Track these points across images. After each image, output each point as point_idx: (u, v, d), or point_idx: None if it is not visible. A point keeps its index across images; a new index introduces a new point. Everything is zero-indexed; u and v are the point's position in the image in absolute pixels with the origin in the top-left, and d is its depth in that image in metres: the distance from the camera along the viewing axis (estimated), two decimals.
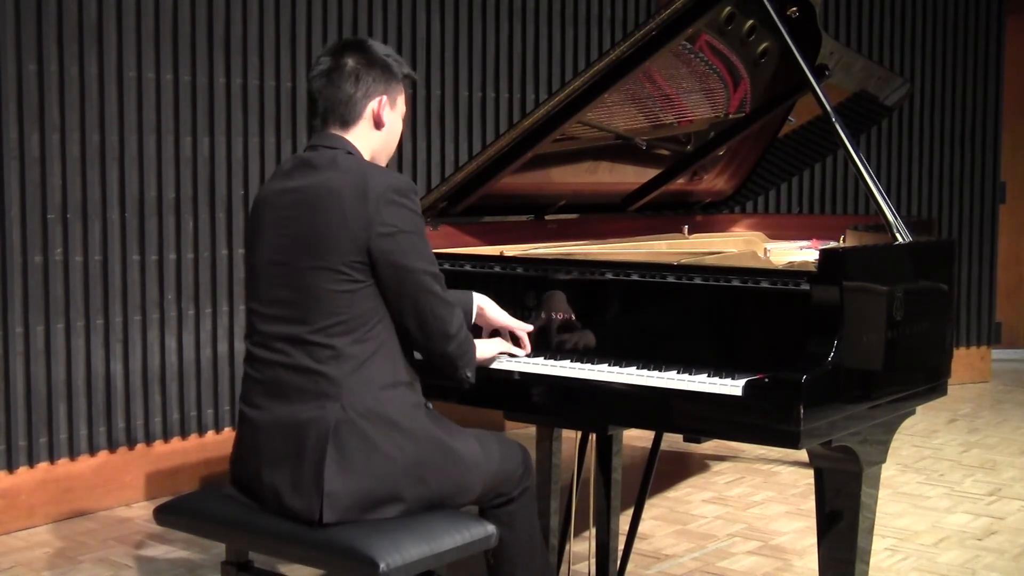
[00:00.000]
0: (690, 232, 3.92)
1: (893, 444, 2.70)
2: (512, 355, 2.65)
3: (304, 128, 4.60)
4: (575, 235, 3.59)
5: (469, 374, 2.44)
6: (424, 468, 2.32)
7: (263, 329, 2.37)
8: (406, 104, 2.55)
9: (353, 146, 2.43)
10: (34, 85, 3.89)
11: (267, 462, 2.32)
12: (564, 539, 3.14)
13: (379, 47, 2.48)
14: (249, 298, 2.45)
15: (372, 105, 2.44)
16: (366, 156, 2.45)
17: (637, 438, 4.91)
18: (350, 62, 2.42)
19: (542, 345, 2.71)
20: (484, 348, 2.58)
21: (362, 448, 2.26)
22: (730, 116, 3.69)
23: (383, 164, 2.53)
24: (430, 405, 2.45)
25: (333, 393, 2.27)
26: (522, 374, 2.58)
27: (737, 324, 2.50)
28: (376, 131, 2.47)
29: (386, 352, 2.34)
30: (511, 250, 3.17)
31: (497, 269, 2.82)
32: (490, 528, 2.35)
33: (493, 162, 3.11)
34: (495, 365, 2.62)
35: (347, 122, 2.43)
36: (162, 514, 2.50)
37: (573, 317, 2.69)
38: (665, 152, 3.74)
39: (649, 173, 3.82)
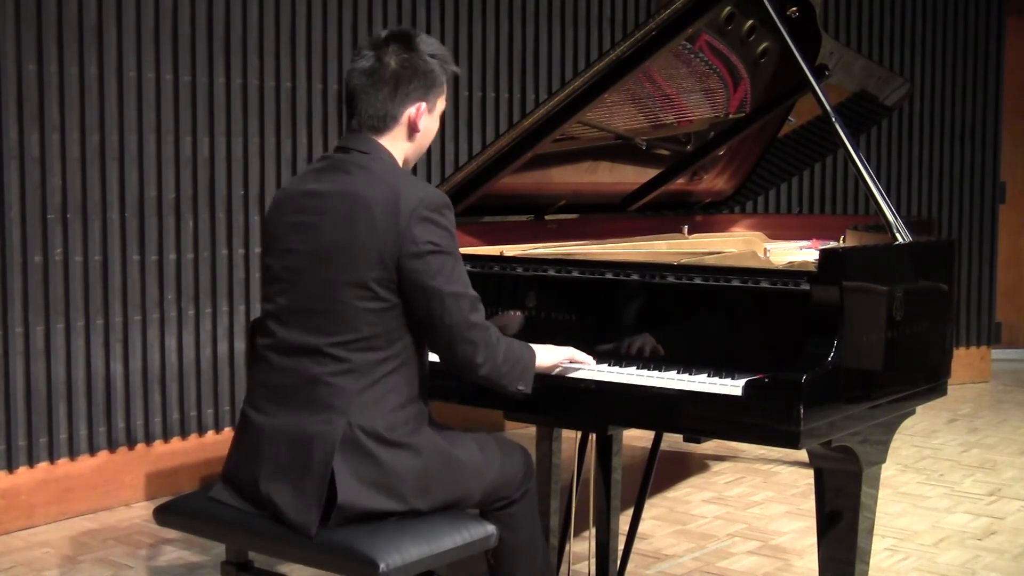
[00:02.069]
0: (690, 232, 3.91)
1: (893, 444, 2.70)
2: (580, 364, 2.53)
3: (304, 128, 4.60)
4: (575, 235, 3.59)
5: (521, 387, 2.35)
6: (429, 480, 2.30)
7: (278, 334, 2.33)
8: (446, 101, 2.47)
9: (387, 151, 2.36)
10: (34, 85, 3.89)
11: (267, 470, 2.29)
12: (564, 539, 3.14)
13: (425, 45, 2.37)
14: (265, 299, 2.40)
15: (410, 111, 2.37)
16: (399, 159, 2.39)
17: (637, 438, 4.91)
18: (392, 63, 2.33)
19: None
20: (545, 356, 2.46)
21: (369, 464, 2.23)
22: (730, 116, 3.69)
23: (413, 164, 2.48)
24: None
25: (341, 407, 2.23)
26: None
27: (737, 324, 2.50)
28: (410, 136, 2.40)
29: (404, 370, 2.30)
30: (511, 250, 3.17)
31: (497, 269, 2.82)
32: (490, 528, 2.35)
33: (493, 162, 3.11)
34: None
35: (381, 128, 2.36)
36: (162, 514, 2.50)
37: (573, 317, 2.69)
38: (665, 152, 3.74)
39: (649, 173, 3.82)
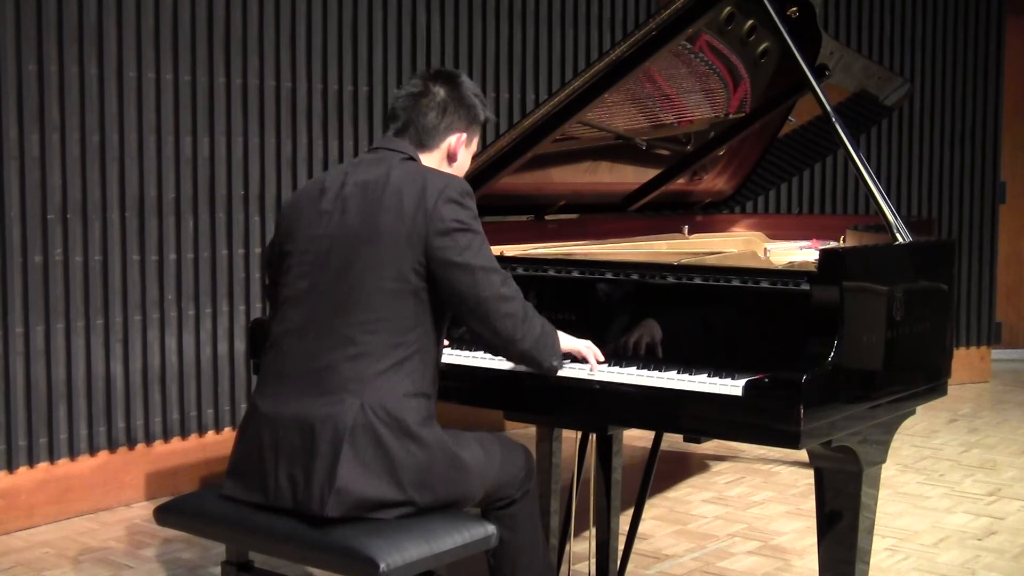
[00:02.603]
0: (690, 232, 3.92)
1: (893, 444, 2.71)
2: (585, 360, 2.53)
3: (304, 128, 4.60)
4: (575, 235, 3.59)
5: (556, 363, 2.43)
6: (432, 476, 2.31)
7: (295, 318, 2.36)
8: (478, 145, 2.59)
9: (418, 156, 2.45)
10: (34, 85, 3.89)
11: (282, 455, 2.30)
12: (564, 539, 3.14)
13: (469, 84, 2.52)
14: (282, 285, 2.43)
15: (450, 140, 2.49)
16: None
17: (637, 438, 4.91)
18: (441, 92, 2.47)
19: None
20: (567, 340, 2.52)
21: (376, 451, 2.25)
22: (730, 116, 3.69)
23: None
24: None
25: (355, 390, 2.26)
26: (522, 374, 2.58)
27: (737, 324, 2.50)
28: (447, 164, 2.51)
29: (418, 360, 2.32)
30: (511, 250, 3.17)
31: None
32: (490, 528, 2.35)
33: (493, 162, 3.12)
34: (489, 365, 2.61)
35: (423, 145, 2.47)
36: (162, 514, 2.50)
37: (573, 317, 2.69)
38: (665, 152, 3.74)
39: (649, 173, 3.82)
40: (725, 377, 2.34)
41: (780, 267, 2.97)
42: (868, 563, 2.63)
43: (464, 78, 2.53)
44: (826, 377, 2.26)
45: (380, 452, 2.25)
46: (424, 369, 2.34)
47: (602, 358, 2.56)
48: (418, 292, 2.30)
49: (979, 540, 3.83)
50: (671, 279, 2.58)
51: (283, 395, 2.34)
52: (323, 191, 2.42)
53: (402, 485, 2.27)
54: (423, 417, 2.32)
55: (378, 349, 2.28)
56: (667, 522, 4.01)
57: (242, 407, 4.48)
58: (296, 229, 2.43)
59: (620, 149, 3.56)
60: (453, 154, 2.51)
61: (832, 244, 3.56)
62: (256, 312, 4.48)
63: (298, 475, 2.27)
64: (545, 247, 3.34)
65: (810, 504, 4.02)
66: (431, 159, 2.48)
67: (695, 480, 4.58)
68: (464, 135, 2.52)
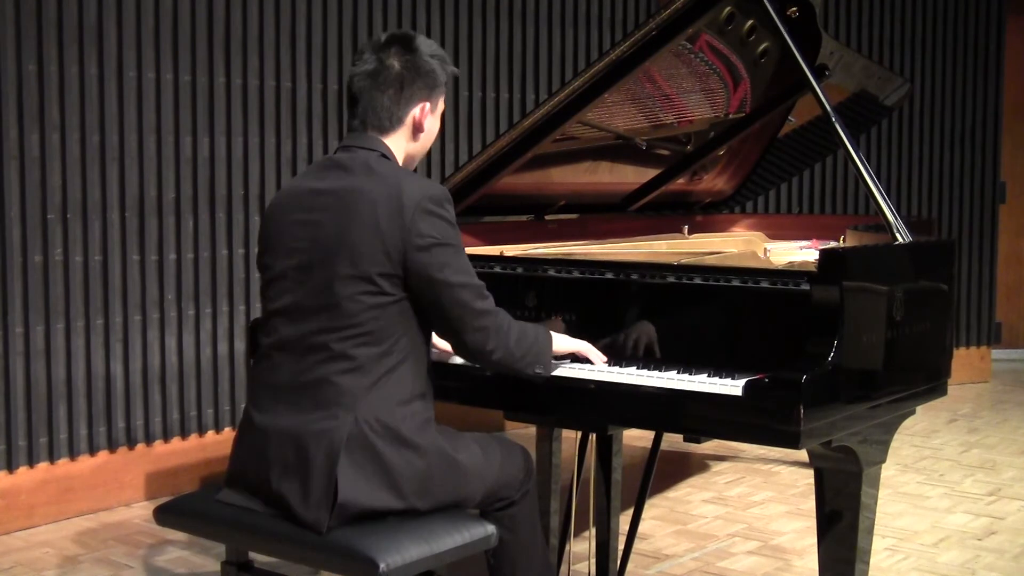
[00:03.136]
0: (690, 232, 3.92)
1: (893, 444, 2.71)
2: (588, 360, 2.55)
3: (304, 128, 4.60)
4: (575, 235, 3.59)
5: (539, 370, 2.40)
6: (431, 482, 2.31)
7: (284, 332, 2.34)
8: (444, 102, 2.50)
9: (389, 150, 2.39)
10: (34, 85, 3.89)
11: (275, 470, 2.29)
12: (564, 539, 3.14)
13: (426, 46, 2.41)
14: (267, 299, 2.40)
15: (414, 112, 2.41)
16: (400, 159, 2.42)
17: (637, 438, 4.91)
18: (396, 65, 2.36)
19: None
20: (561, 342, 2.50)
21: (373, 462, 2.24)
22: (730, 116, 3.69)
23: (416, 163, 2.51)
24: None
25: (348, 404, 2.25)
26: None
27: (737, 324, 2.50)
28: (415, 136, 2.44)
29: (408, 365, 2.31)
30: (511, 250, 3.17)
31: (497, 269, 2.82)
32: (490, 528, 2.35)
33: (493, 162, 3.11)
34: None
35: (386, 128, 2.39)
36: (162, 514, 2.50)
37: (573, 317, 2.69)
38: (665, 152, 3.74)
39: (649, 173, 3.82)
40: (725, 377, 2.34)
41: (780, 267, 2.97)
42: (868, 563, 2.63)
43: (419, 40, 2.41)
44: (826, 377, 2.26)
45: (377, 463, 2.24)
46: (415, 372, 2.33)
47: (603, 357, 2.55)
48: (401, 302, 2.28)
49: (979, 540, 3.83)
50: (671, 279, 2.57)
51: (277, 408, 2.33)
52: (297, 199, 2.37)
53: (403, 493, 2.26)
54: (420, 421, 2.32)
55: (368, 361, 2.26)
56: (667, 522, 4.01)
57: (242, 407, 4.48)
58: (274, 241, 2.39)
59: (620, 149, 3.56)
60: (419, 125, 2.42)
61: (832, 244, 3.56)
62: (256, 312, 4.48)
63: (295, 489, 2.26)
64: (545, 247, 3.33)
65: (810, 504, 4.02)
66: (398, 138, 2.41)
67: (695, 480, 4.58)
68: (427, 104, 2.42)
